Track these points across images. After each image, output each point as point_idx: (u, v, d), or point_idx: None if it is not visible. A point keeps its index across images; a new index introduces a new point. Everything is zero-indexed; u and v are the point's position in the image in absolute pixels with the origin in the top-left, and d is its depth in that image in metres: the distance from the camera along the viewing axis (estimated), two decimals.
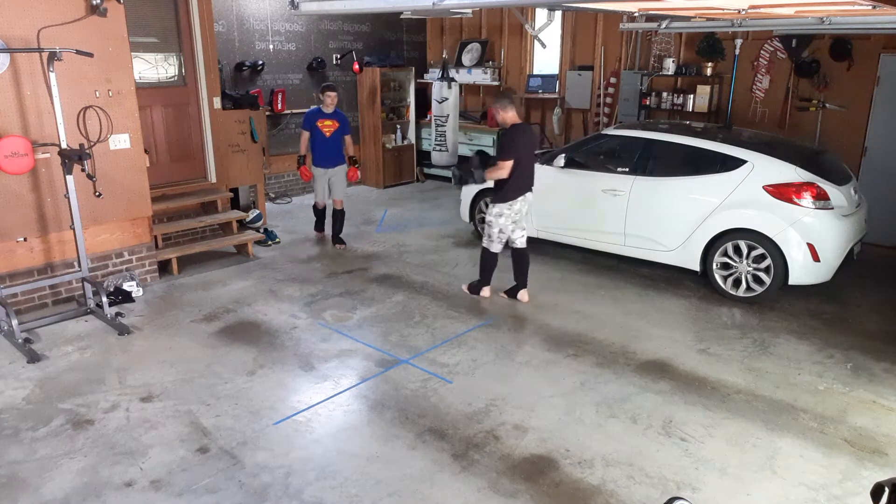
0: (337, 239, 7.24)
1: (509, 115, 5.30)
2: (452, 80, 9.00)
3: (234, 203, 7.55)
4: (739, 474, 3.35)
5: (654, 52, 8.58)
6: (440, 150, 9.40)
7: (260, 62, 8.72)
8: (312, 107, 7.30)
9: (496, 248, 5.51)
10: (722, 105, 8.11)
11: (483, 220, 7.22)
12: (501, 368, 4.46)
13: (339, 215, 7.20)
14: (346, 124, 7.08)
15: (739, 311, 5.44)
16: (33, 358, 4.53)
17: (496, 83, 10.00)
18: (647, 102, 8.40)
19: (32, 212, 5.23)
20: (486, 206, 7.13)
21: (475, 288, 5.74)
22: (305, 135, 7.00)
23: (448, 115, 9.00)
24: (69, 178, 4.99)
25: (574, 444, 3.59)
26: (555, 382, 4.26)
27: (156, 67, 6.67)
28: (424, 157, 10.63)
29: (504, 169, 5.20)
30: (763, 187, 5.43)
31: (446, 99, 8.95)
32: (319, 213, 7.47)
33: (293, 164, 9.52)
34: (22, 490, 3.22)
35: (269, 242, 7.22)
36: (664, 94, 8.30)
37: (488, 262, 5.61)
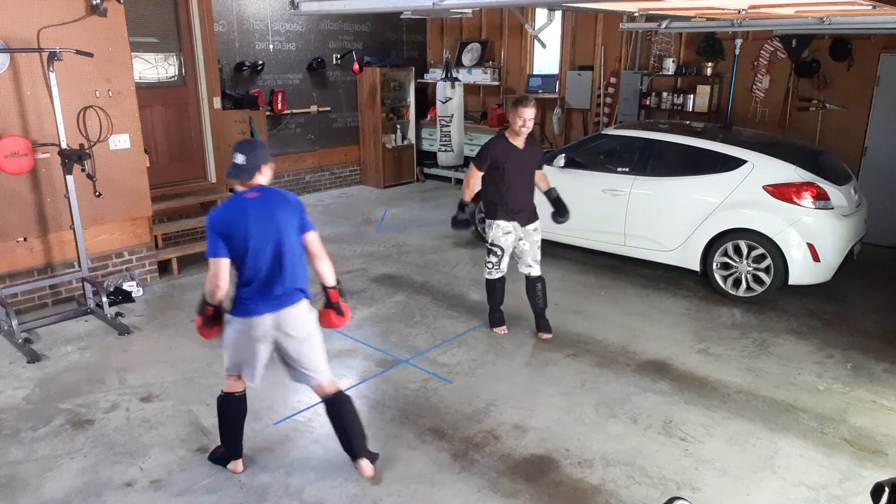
0: (368, 455, 3.30)
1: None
2: (456, 79, 8.99)
3: None
4: (739, 474, 3.35)
5: (654, 52, 8.57)
6: (446, 151, 9.38)
7: (260, 62, 8.72)
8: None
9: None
10: (722, 105, 8.11)
11: (483, 220, 7.24)
12: (501, 368, 4.46)
13: (348, 410, 3.26)
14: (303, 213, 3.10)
15: (739, 311, 5.44)
16: (33, 358, 4.53)
17: (496, 83, 10.01)
18: (647, 102, 8.40)
19: (32, 212, 5.23)
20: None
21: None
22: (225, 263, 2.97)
23: (452, 116, 8.99)
24: (69, 178, 4.99)
25: (574, 444, 3.59)
26: (555, 382, 4.26)
27: (156, 67, 6.67)
28: (424, 157, 10.63)
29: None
30: (763, 187, 5.43)
31: (450, 99, 8.95)
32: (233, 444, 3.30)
33: (293, 163, 9.55)
34: (22, 490, 3.22)
35: None
36: (664, 94, 8.29)
37: None
